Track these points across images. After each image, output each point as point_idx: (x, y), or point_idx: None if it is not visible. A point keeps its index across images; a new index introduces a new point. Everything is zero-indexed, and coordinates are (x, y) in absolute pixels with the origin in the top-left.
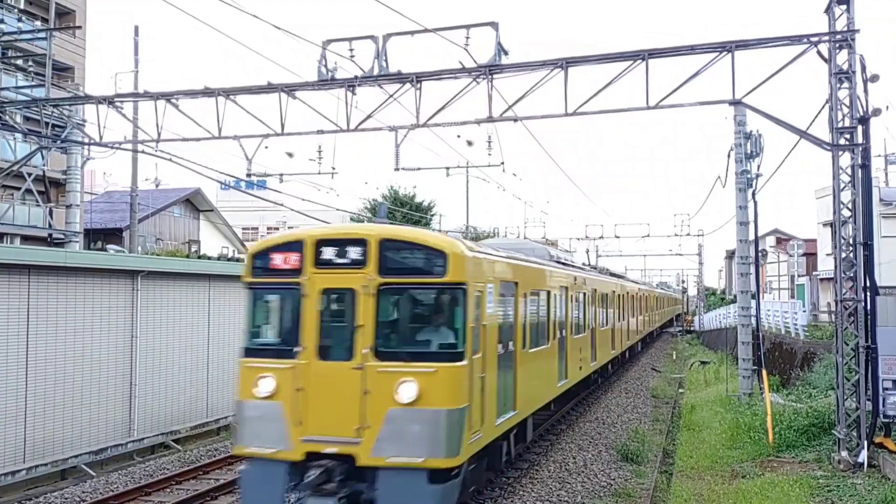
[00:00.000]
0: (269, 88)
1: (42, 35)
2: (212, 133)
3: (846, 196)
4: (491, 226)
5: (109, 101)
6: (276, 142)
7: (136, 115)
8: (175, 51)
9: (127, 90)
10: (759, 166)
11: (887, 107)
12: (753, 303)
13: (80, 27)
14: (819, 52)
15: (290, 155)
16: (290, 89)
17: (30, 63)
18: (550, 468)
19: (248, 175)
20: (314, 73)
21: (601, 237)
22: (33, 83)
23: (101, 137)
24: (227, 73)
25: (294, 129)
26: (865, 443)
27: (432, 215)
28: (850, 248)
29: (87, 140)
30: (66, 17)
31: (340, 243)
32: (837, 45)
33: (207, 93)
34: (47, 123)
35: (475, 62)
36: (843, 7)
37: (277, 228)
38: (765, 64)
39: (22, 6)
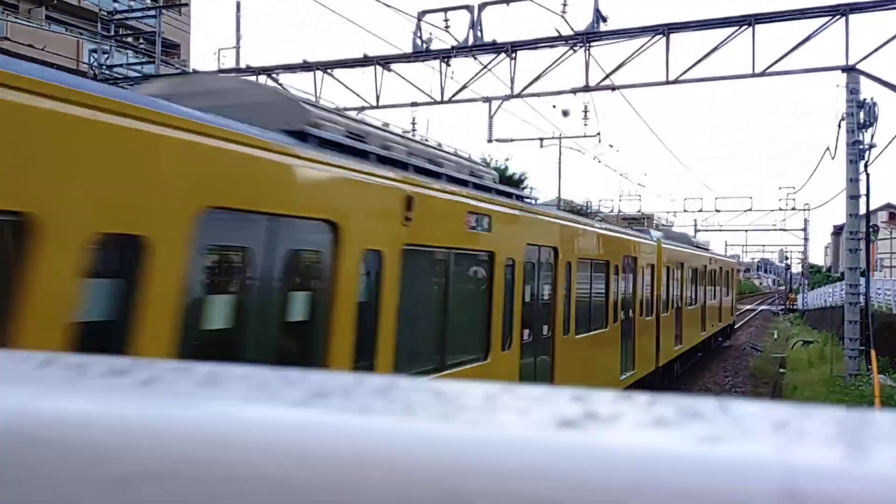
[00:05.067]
0: (365, 61)
1: (151, 13)
2: None
3: None
4: (584, 198)
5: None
6: (371, 114)
7: None
8: (273, 25)
9: (229, 66)
10: (872, 136)
11: None
12: (863, 280)
13: (186, 4)
14: None
15: None
16: (385, 62)
17: (140, 41)
18: None
19: None
20: (409, 45)
21: (700, 210)
22: (143, 60)
23: None
24: (321, 46)
25: (389, 101)
26: None
27: (524, 188)
28: None
29: None
30: None
31: None
32: None
33: (306, 67)
34: None
35: (572, 30)
36: None
37: None
38: (880, 27)
39: None
